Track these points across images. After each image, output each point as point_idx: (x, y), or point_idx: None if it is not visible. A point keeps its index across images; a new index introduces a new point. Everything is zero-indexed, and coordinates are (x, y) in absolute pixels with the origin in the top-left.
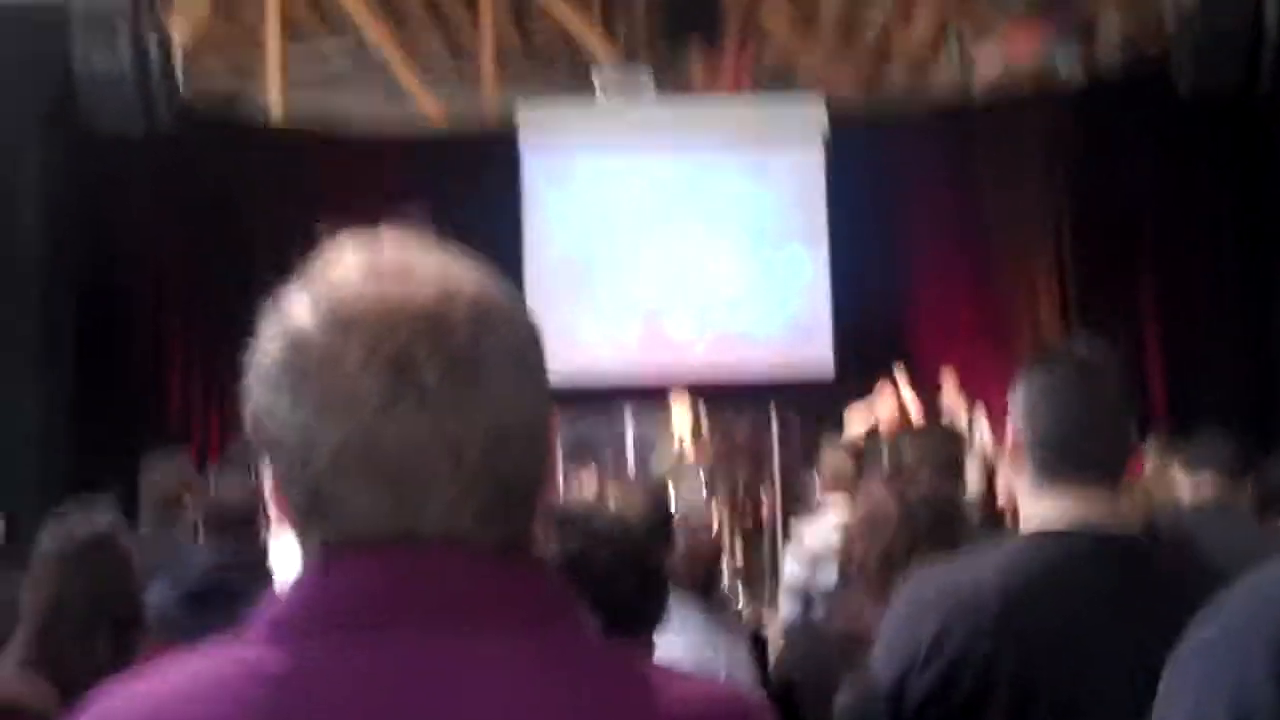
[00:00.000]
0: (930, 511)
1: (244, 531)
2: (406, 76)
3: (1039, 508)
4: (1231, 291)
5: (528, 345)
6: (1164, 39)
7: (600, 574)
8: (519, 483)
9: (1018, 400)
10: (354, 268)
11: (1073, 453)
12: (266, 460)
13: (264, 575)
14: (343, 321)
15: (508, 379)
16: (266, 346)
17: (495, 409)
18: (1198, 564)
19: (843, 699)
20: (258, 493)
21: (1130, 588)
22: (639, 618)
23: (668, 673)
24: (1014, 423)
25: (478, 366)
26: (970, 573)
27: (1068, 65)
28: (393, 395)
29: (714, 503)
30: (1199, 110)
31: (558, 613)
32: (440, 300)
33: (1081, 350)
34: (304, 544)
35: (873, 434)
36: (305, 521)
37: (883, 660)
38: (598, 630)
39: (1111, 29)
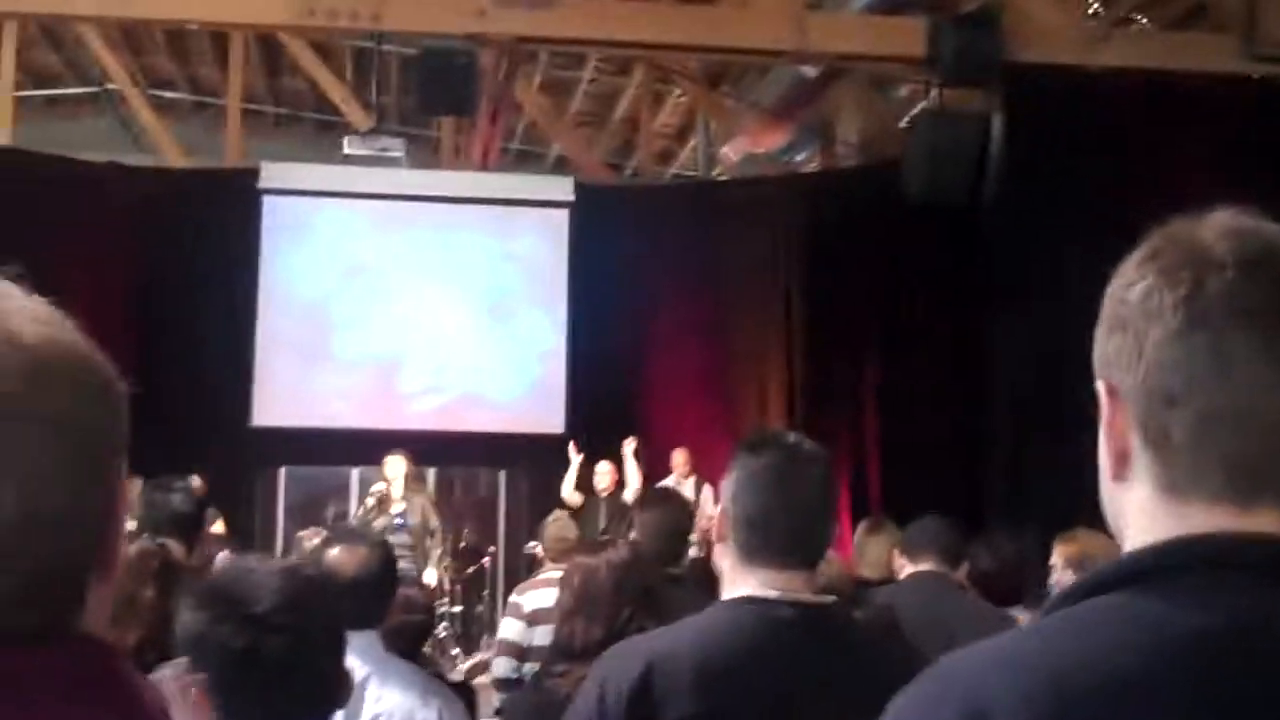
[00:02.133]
0: (642, 580)
1: None
2: (146, 114)
3: (741, 586)
4: (947, 385)
5: (84, 411)
6: (897, 145)
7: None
8: (60, 565)
9: (726, 483)
10: None
11: (773, 537)
12: None
13: None
14: None
15: (50, 452)
16: None
17: (31, 487)
18: (894, 632)
19: None
20: None
21: (825, 651)
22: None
23: None
24: (722, 504)
25: (15, 438)
26: (668, 638)
27: (807, 160)
28: None
29: (436, 556)
30: (926, 212)
31: (94, 699)
32: None
33: (787, 438)
34: None
35: (594, 498)
36: None
37: None
38: (161, 715)
39: (849, 131)
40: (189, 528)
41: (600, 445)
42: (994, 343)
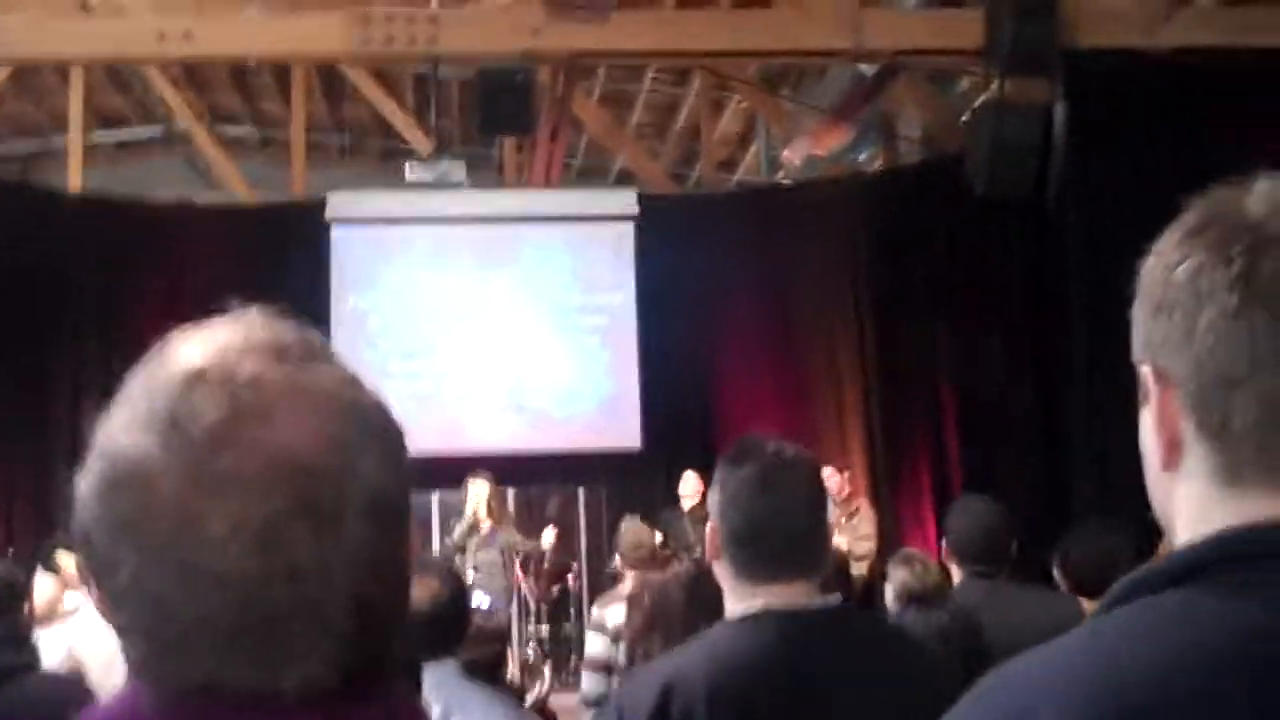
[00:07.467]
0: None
1: (9, 612)
2: (213, 151)
3: (740, 602)
4: (1027, 379)
5: (390, 472)
6: (960, 139)
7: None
8: (385, 630)
9: (712, 498)
10: (210, 389)
11: (765, 550)
12: (103, 594)
13: (29, 656)
14: (207, 478)
15: (370, 526)
16: (95, 480)
17: (360, 567)
18: (898, 631)
19: None
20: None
21: (837, 655)
22: None
23: None
24: (711, 521)
25: (340, 523)
26: (681, 660)
27: (870, 160)
28: (263, 574)
29: (516, 577)
30: (993, 205)
31: None
32: (312, 442)
33: (767, 447)
34: (144, 682)
35: (682, 513)
36: (153, 667)
37: None
38: None
39: (911, 127)
40: None
41: (679, 459)
42: (1071, 333)
